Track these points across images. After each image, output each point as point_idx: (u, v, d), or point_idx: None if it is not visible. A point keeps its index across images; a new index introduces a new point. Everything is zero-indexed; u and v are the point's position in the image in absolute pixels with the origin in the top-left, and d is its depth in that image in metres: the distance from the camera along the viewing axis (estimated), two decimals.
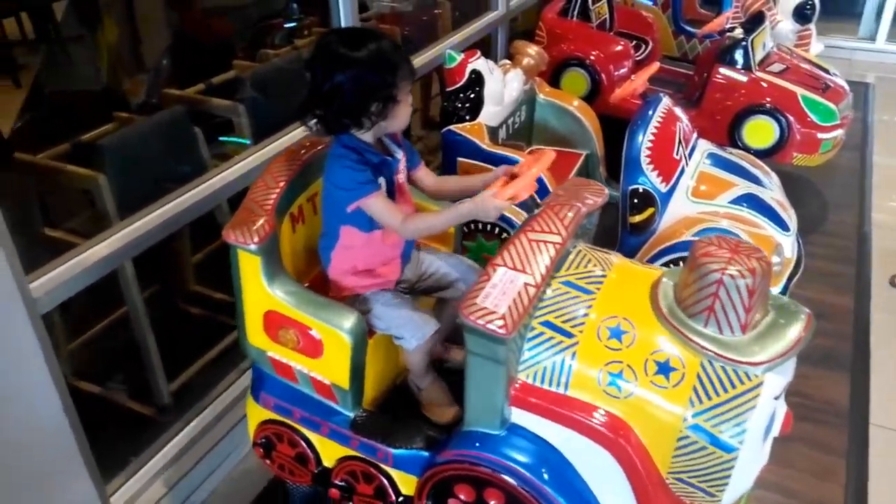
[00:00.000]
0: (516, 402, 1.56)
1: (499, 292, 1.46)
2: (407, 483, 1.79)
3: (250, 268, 1.73)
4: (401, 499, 1.82)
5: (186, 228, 2.71)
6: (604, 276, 1.62)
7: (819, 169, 3.73)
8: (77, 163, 2.56)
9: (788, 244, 2.61)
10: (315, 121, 1.66)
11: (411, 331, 1.75)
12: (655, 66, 3.06)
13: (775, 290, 2.49)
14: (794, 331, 1.44)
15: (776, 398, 1.44)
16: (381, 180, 1.70)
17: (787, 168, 3.59)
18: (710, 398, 1.42)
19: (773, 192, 2.75)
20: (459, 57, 2.75)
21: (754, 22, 3.78)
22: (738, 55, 3.59)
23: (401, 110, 1.65)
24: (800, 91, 3.52)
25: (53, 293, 1.77)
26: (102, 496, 1.98)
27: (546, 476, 1.55)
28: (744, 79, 3.59)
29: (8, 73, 4.25)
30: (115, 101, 3.23)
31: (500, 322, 1.41)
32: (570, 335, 1.53)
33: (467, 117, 2.74)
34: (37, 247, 2.37)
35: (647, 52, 4.24)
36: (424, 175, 1.86)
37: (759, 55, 3.65)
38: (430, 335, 1.75)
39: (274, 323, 1.77)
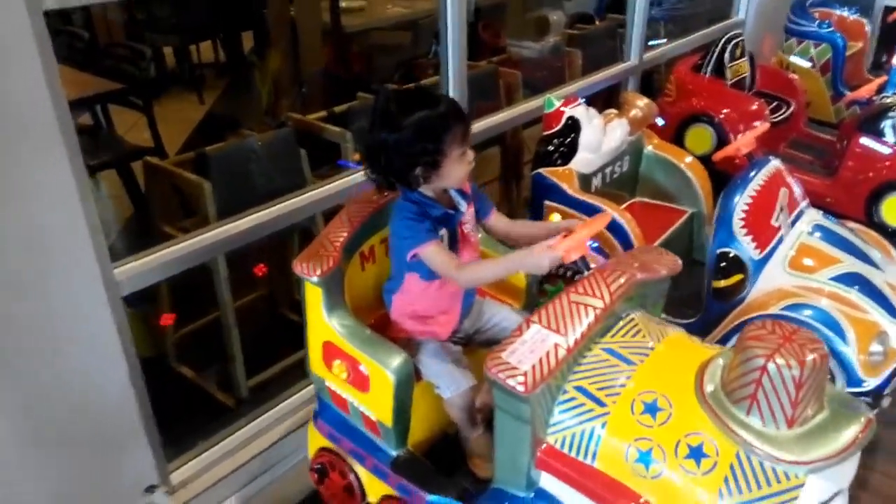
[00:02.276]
0: (543, 465, 1.52)
1: (527, 349, 1.43)
2: None
3: (313, 298, 1.81)
4: None
5: (296, 241, 2.89)
6: (651, 348, 1.55)
7: None
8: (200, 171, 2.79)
9: None
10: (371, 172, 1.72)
11: (447, 381, 1.77)
12: (765, 126, 2.89)
13: (874, 381, 2.28)
14: (849, 433, 1.31)
15: None
16: (443, 231, 1.73)
17: None
18: (741, 492, 1.32)
19: (887, 275, 2.51)
20: (557, 103, 2.74)
21: None
22: (884, 126, 3.34)
23: (450, 171, 1.67)
24: None
25: (135, 279, 1.92)
26: (162, 471, 2.11)
27: None
28: (887, 151, 3.32)
29: (195, 91, 4.75)
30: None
31: (521, 379, 1.39)
32: (602, 404, 1.47)
33: (559, 162, 2.72)
34: (154, 238, 2.59)
35: (787, 113, 4.01)
36: (496, 221, 1.88)
37: None
38: (464, 389, 1.77)
39: (330, 353, 1.84)
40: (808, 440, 1.31)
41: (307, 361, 1.95)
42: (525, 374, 1.39)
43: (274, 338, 3.07)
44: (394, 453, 1.84)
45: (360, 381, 1.79)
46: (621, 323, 1.60)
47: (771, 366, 1.30)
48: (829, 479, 1.30)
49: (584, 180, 2.79)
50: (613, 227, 2.54)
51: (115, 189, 3.38)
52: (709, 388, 1.42)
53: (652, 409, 1.44)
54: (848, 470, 1.35)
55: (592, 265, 1.63)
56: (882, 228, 3.23)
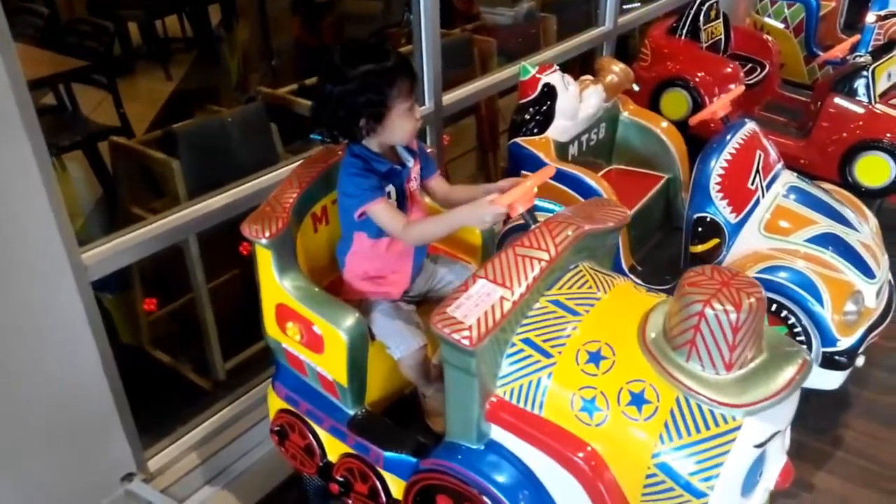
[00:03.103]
0: (493, 417, 1.52)
1: (472, 304, 1.43)
2: (398, 487, 1.79)
3: (264, 260, 1.81)
4: (392, 502, 1.82)
5: None
6: (598, 298, 1.55)
7: None
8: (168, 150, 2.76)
9: (872, 292, 2.39)
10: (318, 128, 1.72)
11: (397, 342, 1.78)
12: (740, 89, 2.90)
13: (848, 341, 2.30)
14: (786, 375, 1.32)
15: (758, 446, 1.31)
16: (390, 188, 1.73)
17: None
18: (681, 436, 1.33)
19: (861, 235, 2.51)
20: (533, 70, 2.71)
21: (883, 50, 3.48)
22: (858, 84, 3.32)
23: (395, 125, 1.66)
24: None
25: (104, 263, 1.91)
26: (138, 458, 2.11)
27: (521, 501, 1.51)
28: (860, 110, 3.31)
29: (162, 67, 4.69)
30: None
31: (466, 333, 1.39)
32: (548, 355, 1.48)
33: (535, 130, 2.71)
34: (124, 221, 2.58)
35: (762, 75, 3.99)
36: (437, 184, 1.88)
37: (882, 86, 3.36)
38: (415, 349, 1.77)
39: (283, 315, 1.84)
40: (745, 383, 1.32)
41: (262, 324, 1.94)
42: (470, 328, 1.39)
43: (250, 318, 3.02)
44: (351, 412, 1.85)
45: (314, 343, 1.79)
46: (569, 275, 1.60)
47: (708, 311, 1.30)
48: (766, 421, 1.31)
49: (561, 149, 2.77)
50: (591, 195, 2.52)
51: (83, 171, 3.33)
52: (651, 335, 1.42)
53: (596, 357, 1.44)
54: (786, 411, 1.36)
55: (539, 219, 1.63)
56: (856, 188, 3.23)
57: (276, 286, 1.79)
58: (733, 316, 1.29)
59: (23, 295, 1.70)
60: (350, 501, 1.91)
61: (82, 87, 3.61)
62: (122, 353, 2.00)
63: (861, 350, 2.35)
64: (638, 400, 1.37)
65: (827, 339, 2.32)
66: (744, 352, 1.33)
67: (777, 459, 1.40)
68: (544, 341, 1.49)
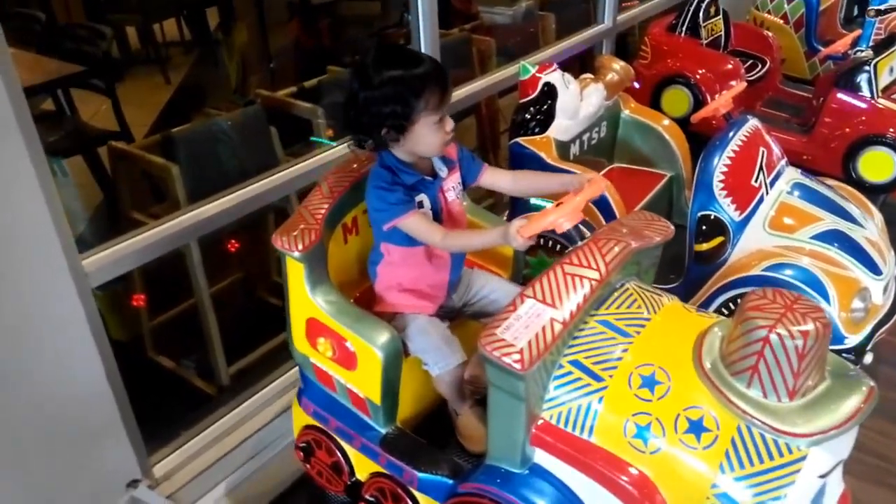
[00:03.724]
0: (538, 441, 1.48)
1: (522, 325, 1.39)
2: None
3: (295, 274, 1.75)
4: None
5: (271, 221, 2.82)
6: (648, 319, 1.51)
7: None
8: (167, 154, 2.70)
9: (879, 289, 2.38)
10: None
11: (435, 358, 1.73)
12: (741, 86, 2.87)
13: (856, 338, 2.29)
14: (851, 403, 1.29)
15: (823, 476, 1.29)
16: (423, 198, 1.67)
17: None
18: (743, 466, 1.29)
19: (867, 231, 2.50)
20: (533, 69, 2.67)
21: (884, 44, 3.48)
22: (860, 79, 3.32)
23: (421, 138, 1.60)
24: None
25: (105, 269, 1.87)
26: (143, 464, 2.06)
27: None
28: (863, 105, 3.32)
29: (161, 71, 4.62)
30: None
31: (517, 356, 1.34)
32: (599, 378, 1.44)
33: (536, 130, 2.67)
34: (125, 226, 2.54)
35: (763, 71, 3.98)
36: (494, 177, 1.82)
37: (884, 80, 3.37)
38: (454, 366, 1.72)
39: (314, 330, 1.78)
40: (809, 412, 1.29)
41: (290, 338, 1.89)
42: (521, 352, 1.34)
43: (253, 322, 3.02)
44: (383, 431, 1.80)
45: (346, 359, 1.73)
46: (616, 294, 1.56)
47: (773, 337, 1.27)
48: (830, 451, 1.28)
49: (563, 148, 2.74)
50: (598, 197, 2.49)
51: (84, 177, 3.27)
52: (707, 360, 1.39)
53: (650, 382, 1.40)
54: (849, 440, 1.34)
55: (587, 235, 1.58)
56: (860, 184, 3.24)
57: (308, 300, 1.74)
58: (800, 342, 1.26)
59: (23, 302, 1.65)
60: None
61: (81, 92, 3.54)
62: (125, 358, 1.95)
63: (869, 347, 2.34)
64: (696, 428, 1.34)
65: (834, 337, 2.29)
66: (808, 379, 1.30)
67: (836, 488, 1.37)
68: (594, 364, 1.45)
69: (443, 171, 1.71)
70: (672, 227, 1.66)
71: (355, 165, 1.86)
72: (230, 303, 3.02)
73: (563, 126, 2.71)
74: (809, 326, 1.27)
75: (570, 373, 1.46)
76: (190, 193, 2.51)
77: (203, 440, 2.28)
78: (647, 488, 1.39)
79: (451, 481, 1.68)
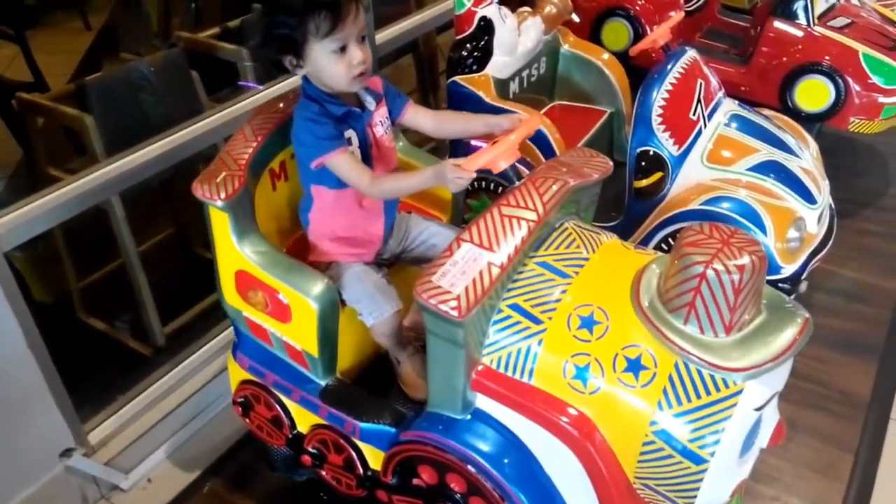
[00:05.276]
0: (479, 387, 1.46)
1: (458, 271, 1.34)
2: (375, 457, 1.72)
3: (220, 224, 1.66)
4: (369, 472, 1.76)
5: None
6: (586, 259, 1.48)
7: (885, 137, 3.43)
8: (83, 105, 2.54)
9: (813, 218, 2.41)
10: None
11: (369, 308, 1.67)
12: (679, 16, 2.81)
13: (792, 267, 2.31)
14: (786, 336, 1.29)
15: (759, 409, 1.29)
16: (351, 134, 1.59)
17: (848, 135, 3.33)
18: (681, 403, 1.29)
19: (802, 160, 2.51)
20: (468, 3, 2.57)
21: None
22: (796, 7, 3.29)
23: (322, 67, 1.51)
24: (862, 49, 3.19)
25: (19, 230, 1.79)
26: (77, 432, 2.00)
27: (508, 469, 1.46)
28: (799, 34, 3.29)
29: (80, 14, 4.34)
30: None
31: (454, 304, 1.30)
32: (538, 321, 1.41)
33: (474, 67, 2.59)
34: (42, 184, 2.39)
35: (702, 1, 3.92)
36: (417, 115, 1.74)
37: (820, 7, 3.33)
38: (388, 315, 1.67)
39: (244, 283, 1.71)
40: (746, 346, 1.28)
41: (220, 292, 1.81)
42: (458, 298, 1.31)
43: (188, 279, 2.92)
44: (322, 383, 1.75)
45: (280, 312, 1.67)
46: (555, 234, 1.52)
47: (710, 272, 1.25)
48: (766, 384, 1.29)
49: (502, 86, 2.66)
50: (534, 134, 2.44)
51: (3, 133, 3.06)
52: (645, 297, 1.37)
53: (588, 323, 1.39)
54: (784, 372, 1.34)
55: (524, 174, 1.53)
56: (796, 114, 3.24)
57: (235, 252, 1.66)
58: (736, 277, 1.24)
59: None
60: (323, 472, 1.84)
61: None
62: (52, 321, 1.88)
63: (804, 276, 2.38)
64: (635, 366, 1.33)
65: (771, 268, 2.30)
66: (744, 313, 1.29)
67: (771, 419, 1.39)
68: (533, 307, 1.42)
69: (371, 104, 1.63)
70: (610, 164, 1.62)
71: (281, 105, 1.76)
72: (164, 259, 2.91)
73: (501, 63, 2.63)
74: (745, 261, 1.25)
75: (509, 317, 1.43)
76: (108, 145, 2.38)
77: (140, 403, 2.22)
78: (587, 428, 1.38)
79: (393, 430, 1.66)
